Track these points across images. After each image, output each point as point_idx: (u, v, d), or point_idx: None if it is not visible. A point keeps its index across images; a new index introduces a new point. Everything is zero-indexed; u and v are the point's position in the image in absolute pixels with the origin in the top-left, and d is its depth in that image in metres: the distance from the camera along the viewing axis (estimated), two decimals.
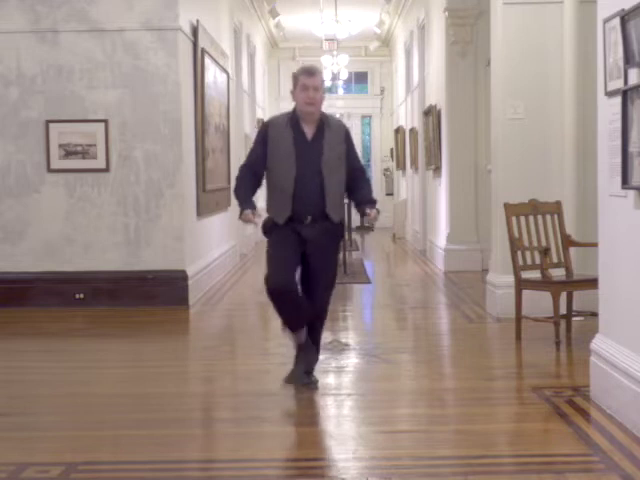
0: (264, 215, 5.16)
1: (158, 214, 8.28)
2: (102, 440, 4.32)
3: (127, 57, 8.21)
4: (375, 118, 21.23)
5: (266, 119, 5.23)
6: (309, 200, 4.95)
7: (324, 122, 5.06)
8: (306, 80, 4.97)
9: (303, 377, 5.07)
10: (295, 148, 4.97)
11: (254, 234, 14.68)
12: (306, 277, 5.12)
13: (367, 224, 5.22)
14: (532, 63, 7.25)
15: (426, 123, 12.74)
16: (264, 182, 5.23)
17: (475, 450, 4.03)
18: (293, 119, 5.03)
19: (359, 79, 21.41)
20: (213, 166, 9.90)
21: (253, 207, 5.04)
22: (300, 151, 4.97)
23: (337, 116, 17.42)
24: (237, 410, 4.88)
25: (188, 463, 4.00)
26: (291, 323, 5.05)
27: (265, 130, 5.11)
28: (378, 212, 5.08)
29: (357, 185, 5.18)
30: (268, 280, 4.97)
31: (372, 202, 5.10)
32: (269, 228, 5.10)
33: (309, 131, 5.02)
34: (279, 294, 4.93)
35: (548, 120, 7.28)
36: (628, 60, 4.18)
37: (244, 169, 5.18)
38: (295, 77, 5.05)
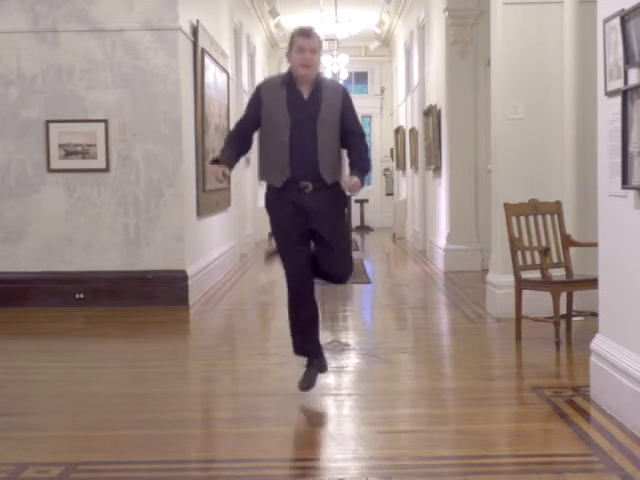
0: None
1: (158, 214, 8.28)
2: (102, 440, 4.32)
3: (127, 57, 8.21)
4: (375, 118, 21.23)
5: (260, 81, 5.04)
6: (306, 162, 4.77)
7: (320, 83, 4.88)
8: (302, 42, 4.78)
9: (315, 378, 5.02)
10: (289, 108, 4.79)
11: (254, 234, 14.68)
12: (319, 253, 4.95)
13: (347, 193, 5.03)
14: (532, 63, 7.25)
15: (426, 123, 12.74)
16: (254, 146, 5.11)
17: (475, 450, 4.03)
18: (288, 79, 4.86)
19: (359, 79, 21.42)
20: None
21: (226, 162, 4.85)
22: (295, 111, 4.79)
23: None
24: (237, 410, 4.88)
25: (188, 463, 4.00)
26: (302, 322, 4.97)
27: (258, 91, 4.94)
28: (362, 182, 4.77)
29: (350, 150, 4.94)
30: (286, 266, 4.90)
31: (361, 170, 4.84)
32: (269, 201, 4.96)
33: (305, 92, 4.84)
34: (299, 278, 4.87)
35: (548, 120, 7.28)
36: (628, 60, 4.18)
37: (234, 130, 5.06)
38: (291, 39, 4.87)
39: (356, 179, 4.75)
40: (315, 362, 5.05)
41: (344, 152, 5.00)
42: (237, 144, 4.99)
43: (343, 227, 5.14)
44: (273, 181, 4.90)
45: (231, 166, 4.92)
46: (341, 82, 5.10)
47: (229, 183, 5.02)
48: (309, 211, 4.83)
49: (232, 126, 5.29)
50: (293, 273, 4.90)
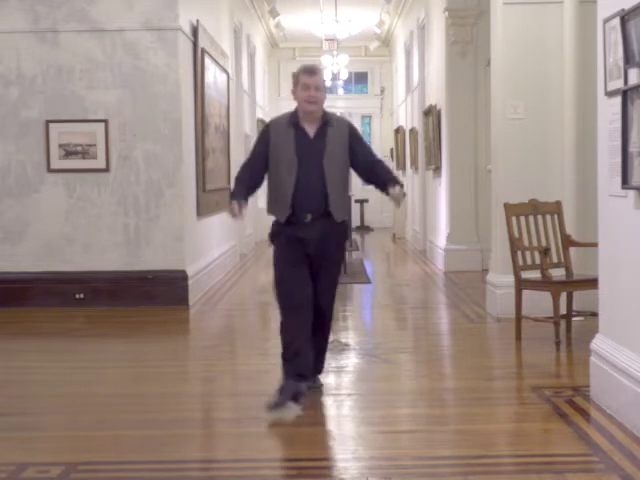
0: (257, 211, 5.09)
1: (158, 214, 8.28)
2: (102, 440, 4.32)
3: (127, 57, 8.21)
4: (375, 118, 21.23)
5: (267, 120, 5.15)
6: (311, 198, 4.89)
7: (327, 120, 5.00)
8: (307, 79, 4.92)
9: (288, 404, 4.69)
10: (296, 146, 4.92)
11: (254, 234, 14.68)
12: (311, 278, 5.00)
13: (394, 203, 5.11)
14: (532, 63, 7.25)
15: (426, 123, 12.74)
16: (264, 184, 5.20)
17: (475, 450, 4.03)
18: (294, 119, 5.00)
19: (359, 79, 21.42)
20: (213, 166, 9.91)
21: (243, 199, 4.96)
22: (301, 149, 4.92)
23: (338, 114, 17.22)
24: (237, 410, 4.88)
25: (188, 463, 4.00)
26: (294, 343, 4.85)
27: (267, 130, 5.08)
28: (402, 187, 4.96)
29: (376, 172, 5.08)
30: (284, 295, 4.87)
31: (393, 180, 4.99)
32: (274, 234, 5.05)
33: (311, 130, 4.97)
34: (297, 312, 4.82)
35: (548, 120, 7.28)
36: (628, 60, 4.18)
37: (243, 168, 5.17)
38: (296, 76, 5.00)
39: (398, 187, 4.92)
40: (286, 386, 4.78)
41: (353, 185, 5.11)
42: (250, 184, 5.10)
43: (338, 265, 5.18)
44: (278, 216, 5.02)
45: (247, 199, 5.02)
46: (347, 118, 5.14)
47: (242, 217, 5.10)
48: (309, 240, 4.91)
49: (243, 159, 5.41)
50: (289, 293, 4.85)
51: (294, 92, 5.01)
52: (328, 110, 5.12)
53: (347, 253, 11.36)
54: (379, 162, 5.15)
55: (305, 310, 4.84)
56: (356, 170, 5.14)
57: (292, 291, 4.87)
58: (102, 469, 3.92)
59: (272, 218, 5.11)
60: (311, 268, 4.98)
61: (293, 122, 4.98)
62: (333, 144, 4.96)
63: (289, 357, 4.87)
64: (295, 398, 4.66)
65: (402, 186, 4.99)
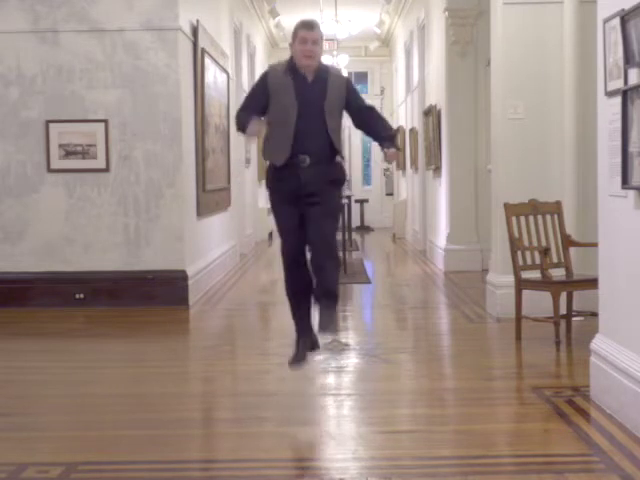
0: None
1: (158, 214, 8.28)
2: (102, 440, 4.32)
3: (127, 57, 8.21)
4: None
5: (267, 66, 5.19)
6: (310, 141, 4.92)
7: (323, 69, 5.04)
8: (305, 33, 4.94)
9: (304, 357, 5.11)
10: (296, 91, 4.93)
11: (254, 234, 14.68)
12: (308, 219, 5.00)
13: (386, 162, 5.22)
14: (532, 63, 7.25)
15: (426, 123, 12.74)
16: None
17: (475, 450, 4.03)
18: (291, 65, 5.01)
19: (359, 79, 21.40)
20: (213, 166, 9.91)
21: (254, 117, 4.98)
22: (301, 94, 4.94)
23: None
24: (237, 410, 4.88)
25: (188, 463, 4.00)
26: (295, 294, 5.12)
27: (265, 76, 5.09)
28: (397, 149, 5.00)
29: (371, 122, 5.12)
30: (282, 247, 5.08)
31: (389, 138, 5.02)
32: (270, 178, 5.09)
33: (309, 75, 4.99)
34: (293, 261, 5.02)
35: (548, 120, 7.28)
36: (628, 60, 4.18)
37: (242, 109, 5.16)
38: (294, 30, 5.03)
39: (393, 149, 4.95)
40: (303, 340, 5.13)
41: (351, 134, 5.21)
42: (248, 114, 5.07)
43: (336, 199, 5.16)
44: (275, 160, 5.02)
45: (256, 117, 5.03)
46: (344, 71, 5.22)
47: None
48: (307, 181, 4.93)
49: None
50: (290, 243, 5.03)
51: (292, 46, 5.02)
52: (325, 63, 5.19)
53: (347, 253, 11.37)
54: (371, 109, 5.17)
55: (302, 267, 5.03)
56: (352, 118, 5.15)
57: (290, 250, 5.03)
58: (102, 469, 3.92)
59: (271, 219, 5.13)
60: (309, 207, 4.97)
61: (291, 68, 5.00)
62: (332, 93, 4.99)
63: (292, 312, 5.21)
64: (313, 348, 5.15)
65: (396, 135, 5.02)
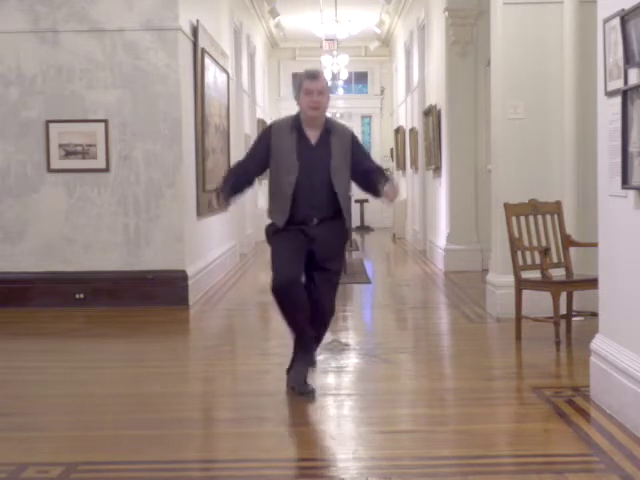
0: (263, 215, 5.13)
1: (158, 214, 8.28)
2: (102, 440, 4.32)
3: (127, 57, 8.21)
4: (375, 118, 21.23)
5: (268, 120, 5.20)
6: (313, 204, 4.92)
7: (329, 127, 5.02)
8: (310, 84, 4.92)
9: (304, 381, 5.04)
10: (298, 152, 4.92)
11: (254, 234, 14.68)
12: (311, 276, 5.05)
13: (387, 204, 5.14)
14: (532, 63, 7.25)
15: (426, 123, 12.74)
16: (258, 185, 5.21)
17: (475, 450, 4.03)
18: (296, 123, 4.99)
19: (359, 79, 21.42)
20: (213, 166, 9.90)
21: (229, 196, 5.01)
22: (303, 155, 4.92)
23: (337, 116, 17.30)
24: (237, 410, 4.88)
25: (188, 463, 4.00)
26: (294, 322, 5.02)
27: (268, 133, 5.07)
28: (394, 186, 4.92)
29: (370, 176, 5.04)
30: (274, 277, 4.96)
31: (382, 179, 4.94)
32: (272, 232, 5.08)
33: (313, 136, 4.98)
34: (285, 289, 4.89)
35: (548, 120, 7.28)
36: (628, 60, 4.18)
37: (237, 165, 5.20)
38: (298, 82, 5.00)
39: (388, 185, 4.88)
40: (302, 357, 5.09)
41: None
42: (236, 180, 5.11)
43: (340, 260, 5.23)
44: (276, 221, 5.04)
45: (229, 198, 5.05)
46: (346, 126, 5.11)
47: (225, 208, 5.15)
48: (314, 236, 4.95)
49: (233, 163, 5.43)
50: (281, 281, 4.92)
51: (297, 97, 5.00)
52: (330, 117, 5.16)
53: (347, 253, 11.36)
54: (380, 170, 5.13)
55: (300, 301, 4.93)
56: (354, 177, 5.11)
57: (286, 287, 4.91)
58: (102, 469, 3.92)
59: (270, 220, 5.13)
60: (312, 267, 5.01)
61: (296, 126, 4.98)
62: (337, 154, 4.98)
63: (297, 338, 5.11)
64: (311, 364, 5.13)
65: (391, 182, 4.95)
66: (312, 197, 4.92)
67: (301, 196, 4.91)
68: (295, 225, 4.96)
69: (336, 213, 5.01)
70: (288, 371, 5.15)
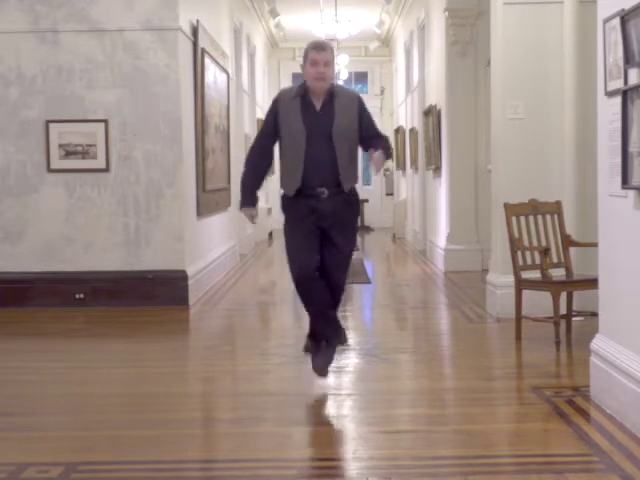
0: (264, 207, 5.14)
1: (158, 214, 8.28)
2: (102, 440, 4.31)
3: (127, 57, 8.21)
4: (375, 118, 21.00)
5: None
6: (321, 170, 4.90)
7: (334, 93, 4.98)
8: (316, 55, 4.92)
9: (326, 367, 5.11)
10: (304, 119, 4.91)
11: (254, 234, 14.69)
12: (322, 256, 5.02)
13: (374, 171, 5.09)
14: (532, 63, 7.25)
15: (426, 123, 12.74)
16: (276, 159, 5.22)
17: (475, 450, 4.03)
18: (302, 90, 4.99)
19: (359, 79, 21.41)
20: (213, 166, 9.91)
21: (253, 203, 5.08)
22: (309, 121, 4.91)
23: None
24: (237, 410, 4.88)
25: (188, 463, 4.00)
26: (314, 308, 5.06)
27: (276, 103, 5.07)
28: (387, 158, 4.88)
29: (373, 140, 5.00)
30: (291, 267, 4.99)
31: (384, 148, 4.90)
32: (285, 206, 5.09)
33: (318, 102, 4.96)
34: (303, 280, 4.93)
35: (548, 120, 7.28)
36: (628, 60, 4.18)
37: (255, 146, 5.18)
38: (305, 52, 5.01)
39: (378, 152, 4.83)
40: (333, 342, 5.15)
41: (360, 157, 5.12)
42: (261, 173, 5.15)
43: (353, 238, 5.23)
44: (287, 190, 5.03)
45: (256, 203, 5.14)
46: (354, 89, 5.07)
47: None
48: (323, 213, 4.94)
49: (243, 159, 5.45)
50: (299, 273, 4.95)
51: (303, 68, 5.01)
52: (336, 83, 5.13)
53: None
54: (382, 137, 5.10)
55: (314, 281, 4.96)
56: (360, 142, 5.09)
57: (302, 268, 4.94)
58: (102, 469, 3.92)
59: (271, 220, 5.13)
60: (323, 242, 5.00)
61: (300, 93, 4.98)
62: (341, 117, 4.94)
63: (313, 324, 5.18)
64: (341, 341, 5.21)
65: (387, 155, 4.92)
66: (320, 163, 4.90)
67: (309, 162, 4.89)
68: (305, 198, 4.93)
69: (345, 186, 4.99)
70: (306, 348, 5.28)
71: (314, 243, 4.98)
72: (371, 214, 20.02)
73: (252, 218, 5.12)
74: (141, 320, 7.70)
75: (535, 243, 6.53)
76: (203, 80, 9.19)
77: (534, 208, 6.63)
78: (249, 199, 5.10)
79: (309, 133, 4.89)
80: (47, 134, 8.20)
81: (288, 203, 5.07)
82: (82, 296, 8.18)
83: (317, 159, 4.89)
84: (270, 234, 15.18)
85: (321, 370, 5.10)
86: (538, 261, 6.41)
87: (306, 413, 4.81)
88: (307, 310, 5.15)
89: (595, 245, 4.89)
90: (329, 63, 4.93)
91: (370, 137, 5.02)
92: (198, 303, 8.49)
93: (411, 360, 6.15)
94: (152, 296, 8.16)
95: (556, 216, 6.68)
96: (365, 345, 6.55)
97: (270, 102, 5.23)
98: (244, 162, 5.25)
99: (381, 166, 4.91)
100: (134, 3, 8.18)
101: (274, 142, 5.08)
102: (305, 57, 4.99)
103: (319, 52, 4.94)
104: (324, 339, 5.13)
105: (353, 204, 5.09)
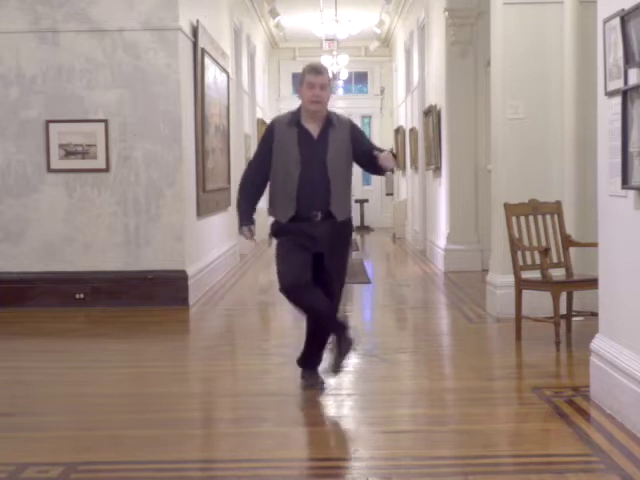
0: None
1: (158, 214, 8.28)
2: (102, 440, 4.31)
3: (127, 57, 8.21)
4: (375, 118, 21.22)
5: (268, 120, 5.20)
6: (315, 199, 4.92)
7: (330, 120, 5.01)
8: (312, 78, 4.94)
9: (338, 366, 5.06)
10: (299, 147, 4.93)
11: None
12: (316, 279, 5.01)
13: (386, 175, 5.06)
14: (532, 63, 7.25)
15: (426, 123, 12.74)
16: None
17: (475, 450, 4.03)
18: (297, 117, 5.00)
19: (359, 79, 21.42)
20: (213, 166, 9.91)
21: (251, 223, 5.09)
22: (304, 150, 4.93)
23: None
24: (237, 410, 4.88)
25: (188, 463, 4.00)
26: (316, 311, 4.99)
27: (271, 129, 5.08)
28: (387, 156, 4.85)
29: (372, 160, 4.97)
30: (282, 280, 4.95)
31: (380, 150, 4.93)
32: (277, 230, 5.07)
33: (314, 130, 4.98)
34: (295, 289, 4.90)
35: (548, 120, 7.28)
36: (628, 60, 4.18)
37: (248, 173, 5.18)
38: (302, 75, 5.01)
39: (384, 152, 4.84)
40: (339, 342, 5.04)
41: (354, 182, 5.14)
42: (255, 195, 5.15)
43: (345, 261, 5.21)
44: (279, 217, 5.03)
45: (254, 222, 5.14)
46: (349, 117, 5.03)
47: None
48: (316, 236, 4.93)
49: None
50: (291, 283, 4.91)
51: (299, 91, 5.02)
52: (331, 110, 5.14)
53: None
54: (379, 149, 5.08)
55: (306, 285, 4.92)
56: (357, 161, 5.10)
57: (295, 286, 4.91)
58: (102, 469, 3.92)
59: (271, 219, 5.12)
60: (317, 268, 4.99)
61: (296, 121, 4.99)
62: (335, 144, 4.97)
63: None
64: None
65: (395, 158, 4.95)
66: (314, 191, 4.91)
67: (304, 191, 4.91)
68: (298, 222, 4.94)
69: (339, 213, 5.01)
70: (299, 361, 5.23)
71: (307, 261, 4.94)
72: (371, 214, 20.02)
73: (252, 235, 5.11)
74: (141, 320, 7.70)
75: (535, 243, 6.54)
76: (203, 80, 9.19)
77: (534, 208, 6.63)
78: (246, 221, 5.10)
79: (304, 161, 4.91)
80: (47, 134, 8.20)
81: (280, 227, 5.04)
82: (82, 296, 8.18)
83: (311, 188, 4.91)
84: (270, 234, 15.11)
85: (311, 384, 5.11)
86: (538, 261, 6.41)
87: (306, 413, 4.81)
88: (307, 314, 5.06)
89: (595, 245, 4.89)
90: (325, 86, 4.95)
91: (370, 149, 5.01)
92: (198, 303, 8.49)
93: (411, 360, 6.15)
94: (152, 296, 8.16)
95: (556, 216, 6.68)
96: (365, 345, 6.54)
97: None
98: (238, 187, 5.21)
99: (391, 164, 4.90)
100: (134, 3, 8.19)
101: (269, 169, 5.05)
102: (302, 80, 5.00)
103: (316, 75, 4.95)
104: (336, 338, 5.01)
105: (346, 228, 5.09)
